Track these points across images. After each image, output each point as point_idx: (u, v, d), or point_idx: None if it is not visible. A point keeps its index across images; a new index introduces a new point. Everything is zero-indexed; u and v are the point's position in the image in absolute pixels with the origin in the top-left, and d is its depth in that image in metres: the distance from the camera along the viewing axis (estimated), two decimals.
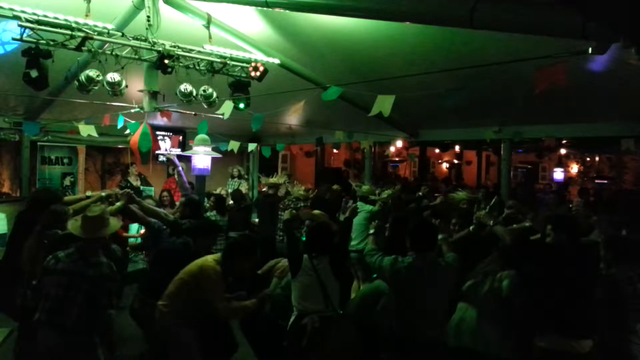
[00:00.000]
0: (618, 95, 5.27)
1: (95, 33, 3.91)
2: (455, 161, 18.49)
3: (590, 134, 7.26)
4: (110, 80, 4.26)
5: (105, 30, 3.97)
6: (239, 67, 4.74)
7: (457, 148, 15.94)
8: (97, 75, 4.20)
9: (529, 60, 3.17)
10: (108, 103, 4.89)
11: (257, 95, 5.02)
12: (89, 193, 5.38)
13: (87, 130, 6.34)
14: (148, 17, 4.15)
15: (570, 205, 7.53)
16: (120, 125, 5.84)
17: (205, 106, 4.97)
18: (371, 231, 3.95)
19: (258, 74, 4.64)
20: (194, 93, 4.76)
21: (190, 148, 6.45)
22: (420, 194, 7.11)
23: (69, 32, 3.80)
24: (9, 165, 9.62)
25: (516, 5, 2.95)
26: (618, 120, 6.42)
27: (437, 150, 16.67)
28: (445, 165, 18.84)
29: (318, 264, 3.53)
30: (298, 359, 3.45)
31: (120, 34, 4.10)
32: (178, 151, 9.17)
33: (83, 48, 3.93)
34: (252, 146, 8.70)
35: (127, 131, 5.53)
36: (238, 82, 4.84)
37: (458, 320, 3.52)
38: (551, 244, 3.39)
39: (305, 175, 13.85)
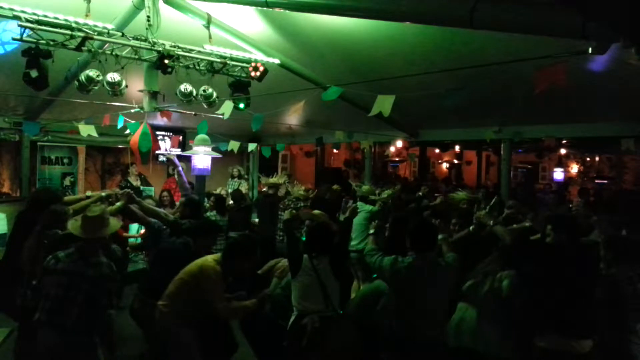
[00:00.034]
0: (618, 95, 5.27)
1: (95, 33, 3.91)
2: (455, 161, 18.49)
3: (590, 134, 7.26)
4: (110, 80, 4.26)
5: (105, 30, 3.97)
6: (239, 67, 4.74)
7: (457, 148, 15.94)
8: (97, 75, 4.20)
9: (529, 60, 3.17)
10: (108, 103, 4.89)
11: (257, 95, 5.02)
12: (89, 193, 5.38)
13: (87, 130, 6.34)
14: (148, 17, 4.15)
15: (570, 205, 7.53)
16: (120, 125, 5.84)
17: (205, 106, 4.97)
18: (371, 231, 3.95)
19: (258, 74, 4.64)
20: (194, 93, 4.76)
21: (190, 148, 6.45)
22: (420, 194, 7.11)
23: (69, 32, 3.80)
24: (9, 165, 9.62)
25: (516, 5, 2.95)
26: (618, 120, 6.42)
27: (437, 150, 16.67)
28: (445, 165, 18.84)
29: (318, 264, 3.53)
30: (298, 359, 3.45)
31: (120, 34, 4.10)
32: (178, 151, 9.17)
33: (83, 48, 3.93)
34: (252, 146, 8.70)
35: (127, 131, 5.53)
36: (238, 82, 4.84)
37: (458, 320, 3.52)
38: (551, 244, 3.39)
39: (305, 175, 13.85)
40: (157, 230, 4.43)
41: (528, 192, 12.49)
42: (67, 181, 8.69)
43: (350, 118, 7.17)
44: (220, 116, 5.16)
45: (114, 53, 4.18)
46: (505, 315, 3.15)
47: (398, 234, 3.87)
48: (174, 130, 9.41)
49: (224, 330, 3.86)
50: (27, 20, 3.63)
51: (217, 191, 7.80)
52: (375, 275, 4.30)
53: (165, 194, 7.33)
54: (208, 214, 6.38)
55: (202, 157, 5.64)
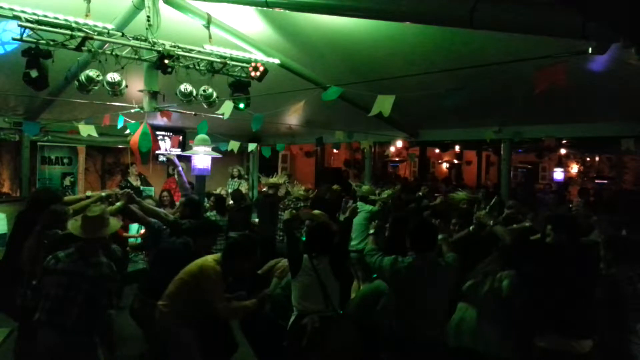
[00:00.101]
0: (618, 95, 5.27)
1: (95, 33, 3.91)
2: (455, 161, 18.49)
3: (590, 134, 7.26)
4: (110, 80, 4.26)
5: (105, 30, 3.97)
6: (239, 67, 4.74)
7: (457, 148, 15.94)
8: (97, 75, 4.20)
9: (529, 60, 3.17)
10: (108, 103, 4.89)
11: (257, 95, 5.02)
12: (89, 193, 5.38)
13: (87, 130, 6.34)
14: (148, 17, 4.15)
15: (570, 205, 7.53)
16: (120, 125, 5.84)
17: (205, 106, 4.97)
18: (371, 231, 3.95)
19: (258, 74, 4.64)
20: (194, 93, 4.76)
21: (190, 148, 6.45)
22: (420, 194, 7.11)
23: (69, 32, 3.80)
24: (9, 165, 9.62)
25: (516, 5, 2.95)
26: (618, 120, 6.42)
27: (437, 150, 16.67)
28: (445, 165, 18.84)
29: (318, 264, 3.53)
30: (298, 359, 3.45)
31: (120, 34, 4.10)
32: (178, 151, 9.17)
33: (83, 48, 3.93)
34: (252, 146, 8.70)
35: (127, 131, 5.53)
36: (238, 82, 4.84)
37: (458, 320, 3.52)
38: (551, 244, 3.39)
39: (305, 175, 13.85)
40: (157, 230, 4.43)
41: (528, 192, 12.49)
42: (67, 181, 8.69)
43: (350, 118, 7.17)
44: (220, 116, 5.16)
45: (114, 53, 4.18)
46: (505, 315, 3.15)
47: (398, 234, 3.87)
48: (174, 130, 9.41)
49: (224, 330, 3.86)
50: (27, 20, 3.63)
51: (217, 191, 7.80)
52: (375, 275, 4.30)
53: (165, 194, 7.33)
54: (208, 214, 6.38)
55: (202, 157, 5.64)
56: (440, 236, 3.64)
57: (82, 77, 4.19)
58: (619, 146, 6.95)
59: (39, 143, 8.17)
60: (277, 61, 4.93)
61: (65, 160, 8.69)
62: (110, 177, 10.89)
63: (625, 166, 16.07)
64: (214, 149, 5.99)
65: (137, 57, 4.28)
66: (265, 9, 4.11)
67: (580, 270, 3.11)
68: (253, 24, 4.66)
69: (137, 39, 4.16)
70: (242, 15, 4.55)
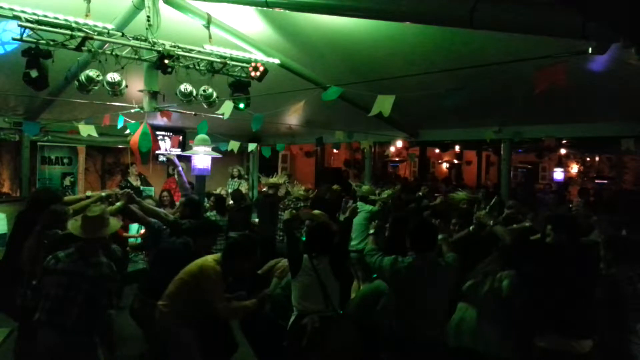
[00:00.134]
0: (618, 95, 5.27)
1: (95, 33, 3.91)
2: (455, 161, 18.49)
3: (590, 134, 7.26)
4: (110, 80, 4.26)
5: (105, 30, 3.97)
6: (239, 67, 4.74)
7: (457, 148, 15.94)
8: (97, 75, 4.20)
9: (529, 60, 3.17)
10: (108, 103, 4.89)
11: (257, 95, 5.02)
12: (89, 193, 5.38)
13: (87, 130, 6.34)
14: (148, 17, 4.15)
15: (570, 205, 7.53)
16: (120, 125, 5.84)
17: (205, 106, 4.97)
18: (371, 231, 3.95)
19: (258, 74, 4.64)
20: (194, 93, 4.76)
21: (190, 148, 6.45)
22: (420, 194, 7.11)
23: (69, 32, 3.80)
24: (9, 165, 9.62)
25: (516, 5, 2.95)
26: (618, 120, 6.42)
27: (437, 150, 16.67)
28: (445, 165, 18.84)
29: (318, 264, 3.53)
30: (298, 359, 3.45)
31: (120, 34, 4.10)
32: (178, 151, 9.17)
33: (83, 48, 3.93)
34: (252, 146, 8.70)
35: (127, 131, 5.53)
36: (238, 82, 4.84)
37: (458, 320, 3.52)
38: (551, 244, 3.39)
39: (305, 175, 13.85)
40: (157, 230, 4.43)
41: (528, 192, 12.49)
42: (67, 181, 8.69)
43: (350, 118, 7.17)
44: (220, 116, 5.16)
45: (114, 53, 4.18)
46: (505, 315, 3.15)
47: (398, 234, 3.87)
48: (174, 130, 9.41)
49: (224, 330, 3.86)
50: (27, 20, 3.63)
51: (217, 191, 7.80)
52: (375, 275, 4.30)
53: (165, 194, 7.33)
54: (208, 214, 6.38)
55: (202, 157, 5.64)
56: (440, 236, 3.64)
57: (82, 77, 4.19)
58: (619, 146, 6.95)
59: (39, 143, 8.17)
60: (277, 61, 4.93)
61: (65, 160, 8.69)
62: (110, 177, 10.89)
63: (625, 166, 16.07)
64: (214, 149, 5.99)
65: (137, 57, 4.28)
66: (265, 9, 4.11)
67: (580, 270, 3.11)
68: (253, 24, 4.66)
69: (137, 39, 4.16)
70: (242, 15, 4.55)
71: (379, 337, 3.44)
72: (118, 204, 4.35)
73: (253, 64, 4.64)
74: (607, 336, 3.05)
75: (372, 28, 4.35)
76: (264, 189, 7.99)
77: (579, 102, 5.66)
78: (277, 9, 4.03)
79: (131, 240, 7.11)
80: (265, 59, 4.79)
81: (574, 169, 17.95)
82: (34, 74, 3.82)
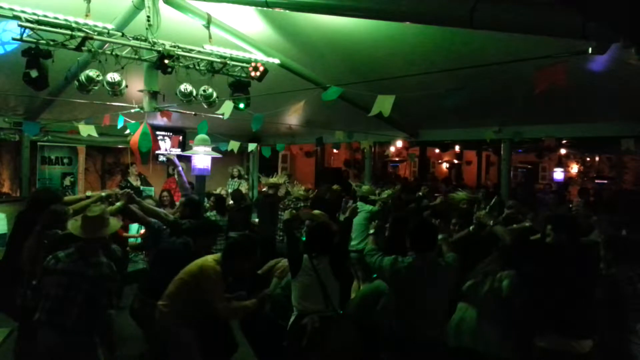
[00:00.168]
0: (618, 95, 5.27)
1: (95, 33, 3.91)
2: (455, 161, 18.49)
3: (590, 134, 7.26)
4: (110, 80, 4.26)
5: (105, 30, 3.97)
6: (239, 67, 4.74)
7: (457, 148, 15.94)
8: (97, 75, 4.20)
9: (529, 60, 3.17)
10: (108, 103, 4.89)
11: (257, 95, 5.02)
12: (89, 193, 5.38)
13: (87, 130, 6.34)
14: (148, 17, 4.15)
15: (570, 205, 7.53)
16: (120, 125, 5.84)
17: (205, 106, 4.97)
18: (371, 231, 3.95)
19: (258, 74, 4.64)
20: (194, 93, 4.76)
21: (190, 148, 6.45)
22: (420, 194, 7.11)
23: (69, 32, 3.80)
24: (9, 165, 9.62)
25: (516, 5, 2.95)
26: (618, 120, 6.42)
27: (437, 150, 16.67)
28: (445, 165, 18.84)
29: (318, 264, 3.53)
30: (298, 359, 3.45)
31: (120, 34, 4.10)
32: (178, 151, 9.17)
33: (83, 48, 3.93)
34: (252, 146, 8.70)
35: (127, 131, 5.53)
36: (238, 82, 4.84)
37: (458, 320, 3.52)
38: (551, 244, 3.39)
39: (305, 175, 13.85)
40: (157, 230, 4.43)
41: (528, 192, 12.49)
42: (67, 181, 8.69)
43: (350, 118, 7.17)
44: (220, 116, 5.16)
45: (114, 53, 4.18)
46: (505, 315, 3.15)
47: (398, 234, 3.87)
48: (174, 130, 9.41)
49: (224, 330, 3.86)
50: (27, 20, 3.63)
51: (217, 191, 7.80)
52: (375, 275, 4.30)
53: (165, 194, 7.33)
54: (208, 214, 6.38)
55: (202, 157, 5.64)
56: (440, 236, 3.64)
57: (82, 77, 4.19)
58: (619, 146, 6.95)
59: (39, 143, 8.17)
60: (277, 61, 4.93)
61: (65, 160, 8.69)
62: (110, 177, 10.89)
63: (625, 166, 16.07)
64: (214, 149, 5.99)
65: (137, 57, 4.28)
66: (265, 9, 4.11)
67: (580, 270, 3.11)
68: (253, 24, 4.66)
69: (137, 39, 4.16)
70: (242, 15, 4.55)
71: (379, 337, 3.44)
72: (118, 204, 4.35)
73: (253, 64, 4.64)
74: (607, 336, 3.05)
75: (372, 28, 4.35)
76: (264, 189, 7.99)
77: (579, 102, 5.66)
78: (277, 9, 4.03)
79: (131, 240, 7.11)
80: (265, 59, 4.79)
81: (574, 169, 17.95)
82: (34, 74, 3.82)
